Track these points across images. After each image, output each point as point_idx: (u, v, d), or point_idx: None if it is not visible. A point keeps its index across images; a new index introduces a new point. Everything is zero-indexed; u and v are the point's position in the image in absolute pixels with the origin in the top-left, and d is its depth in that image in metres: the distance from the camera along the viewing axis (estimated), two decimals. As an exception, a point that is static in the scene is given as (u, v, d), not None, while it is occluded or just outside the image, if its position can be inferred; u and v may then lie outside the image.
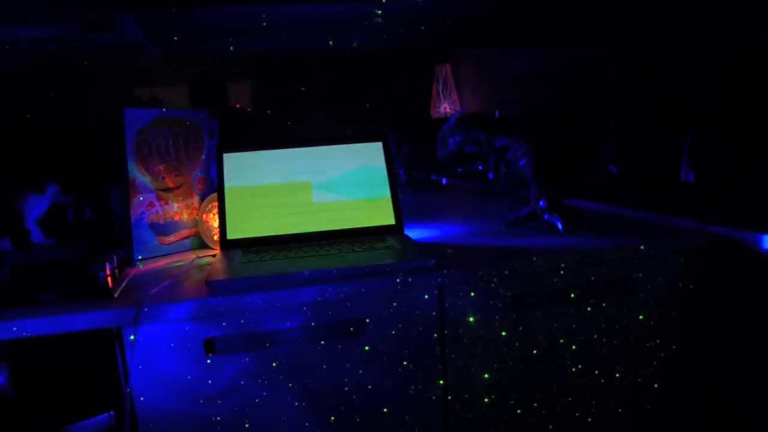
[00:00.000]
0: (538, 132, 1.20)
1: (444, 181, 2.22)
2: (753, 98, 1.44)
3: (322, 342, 0.96)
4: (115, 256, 1.02)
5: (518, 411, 1.08)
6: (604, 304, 1.09)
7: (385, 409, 1.00)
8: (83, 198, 1.42)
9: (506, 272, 1.01)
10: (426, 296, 0.99)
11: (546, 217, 1.22)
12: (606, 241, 1.11)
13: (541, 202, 1.22)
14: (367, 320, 0.97)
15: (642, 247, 1.09)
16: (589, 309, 1.08)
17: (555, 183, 1.21)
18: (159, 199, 1.18)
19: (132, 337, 0.87)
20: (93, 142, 1.26)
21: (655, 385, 1.15)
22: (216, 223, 1.22)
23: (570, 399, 1.10)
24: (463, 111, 1.44)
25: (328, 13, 1.39)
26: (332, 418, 0.98)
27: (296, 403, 0.96)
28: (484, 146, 1.37)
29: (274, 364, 0.94)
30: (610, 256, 1.08)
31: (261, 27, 1.47)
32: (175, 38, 1.52)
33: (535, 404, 1.09)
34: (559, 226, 1.19)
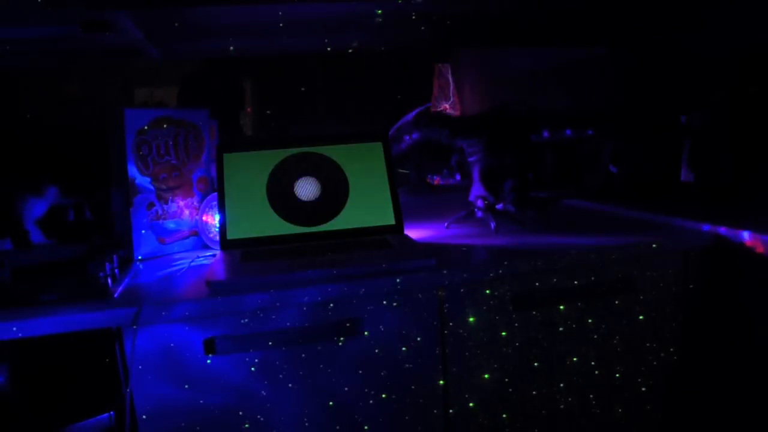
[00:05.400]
0: (487, 135, 1.25)
1: (442, 182, 2.22)
2: (754, 98, 1.44)
3: (322, 342, 0.96)
4: (115, 256, 1.02)
5: (518, 410, 1.08)
6: (604, 304, 1.09)
7: (384, 409, 1.00)
8: (83, 198, 1.42)
9: (506, 272, 1.01)
10: (426, 296, 0.99)
11: (479, 215, 1.28)
12: (606, 240, 1.11)
13: (479, 202, 1.28)
14: (367, 320, 0.97)
15: (642, 247, 1.09)
16: (589, 309, 1.08)
17: (494, 185, 1.25)
18: (159, 199, 1.18)
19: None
20: (93, 142, 1.26)
21: (655, 385, 1.15)
22: (216, 223, 1.22)
23: (570, 399, 1.10)
24: (422, 109, 1.48)
25: (328, 13, 1.38)
26: (332, 417, 0.98)
27: (296, 403, 0.96)
28: (447, 145, 1.42)
29: (274, 364, 0.94)
30: (610, 256, 1.08)
31: (261, 27, 1.47)
32: (175, 38, 1.52)
33: (535, 404, 1.09)
34: (492, 225, 1.24)
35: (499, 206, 1.31)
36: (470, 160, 1.28)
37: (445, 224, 1.33)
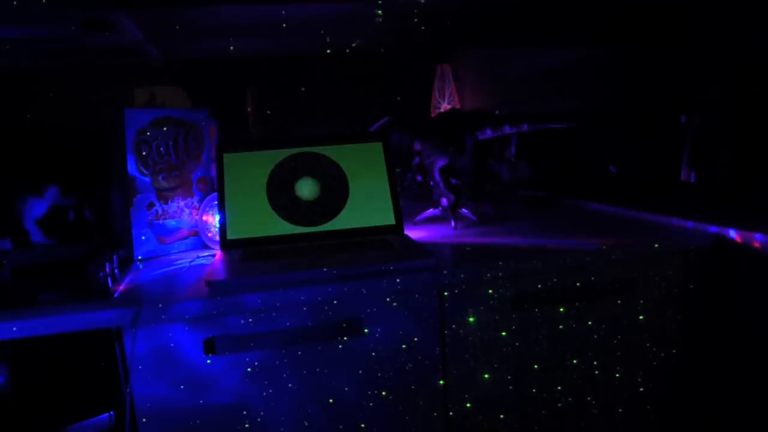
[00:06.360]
0: (438, 136, 1.32)
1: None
2: (754, 97, 1.44)
3: (322, 342, 0.96)
4: (115, 256, 1.02)
5: (518, 411, 1.08)
6: (604, 304, 1.09)
7: (385, 410, 1.00)
8: (83, 198, 1.42)
9: (506, 272, 1.01)
10: (426, 296, 0.99)
11: (437, 212, 1.34)
12: (606, 241, 1.11)
13: (442, 200, 1.33)
14: (367, 320, 0.97)
15: (642, 247, 1.09)
16: (589, 309, 1.08)
17: (454, 184, 1.33)
18: (159, 199, 1.18)
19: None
20: (93, 142, 1.26)
21: (655, 386, 1.15)
22: (216, 223, 1.22)
23: (570, 399, 1.10)
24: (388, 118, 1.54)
25: (329, 12, 1.39)
26: (332, 418, 0.98)
27: (296, 404, 0.96)
28: (407, 149, 1.48)
29: (274, 364, 0.94)
30: (610, 256, 1.08)
31: (261, 27, 1.47)
32: (175, 38, 1.52)
33: (535, 404, 1.09)
34: (452, 223, 1.31)
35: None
36: (426, 162, 1.33)
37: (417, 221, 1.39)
